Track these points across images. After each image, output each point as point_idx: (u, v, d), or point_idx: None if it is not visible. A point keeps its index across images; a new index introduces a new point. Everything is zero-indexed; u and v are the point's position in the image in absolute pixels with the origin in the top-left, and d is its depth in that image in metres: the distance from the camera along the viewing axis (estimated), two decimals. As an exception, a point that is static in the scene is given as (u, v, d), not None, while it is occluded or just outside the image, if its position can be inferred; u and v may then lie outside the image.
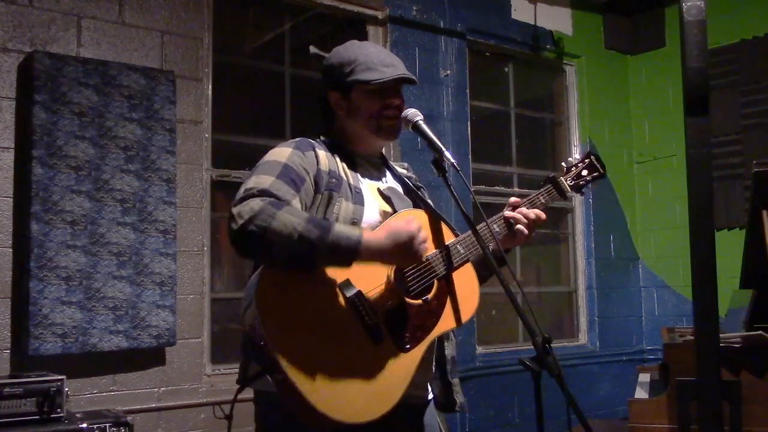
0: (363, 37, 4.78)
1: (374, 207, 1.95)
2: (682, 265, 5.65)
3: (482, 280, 2.05)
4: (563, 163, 2.26)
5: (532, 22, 5.64)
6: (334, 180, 1.92)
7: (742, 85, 5.50)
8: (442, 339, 2.02)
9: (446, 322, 1.90)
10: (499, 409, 5.03)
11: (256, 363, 1.78)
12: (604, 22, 6.12)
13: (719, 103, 5.39)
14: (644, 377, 4.35)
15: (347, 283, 1.78)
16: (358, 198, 1.93)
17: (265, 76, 4.66)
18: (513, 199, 2.11)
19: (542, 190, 2.15)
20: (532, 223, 2.06)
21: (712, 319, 3.03)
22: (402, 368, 1.81)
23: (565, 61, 5.98)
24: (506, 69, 5.78)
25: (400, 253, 1.77)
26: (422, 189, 2.19)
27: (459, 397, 2.06)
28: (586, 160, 2.25)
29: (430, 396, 2.07)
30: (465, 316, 1.94)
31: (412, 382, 1.83)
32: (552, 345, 1.73)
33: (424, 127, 1.97)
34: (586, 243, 5.86)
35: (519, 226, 2.05)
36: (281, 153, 1.91)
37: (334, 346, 1.75)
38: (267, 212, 1.69)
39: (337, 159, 1.99)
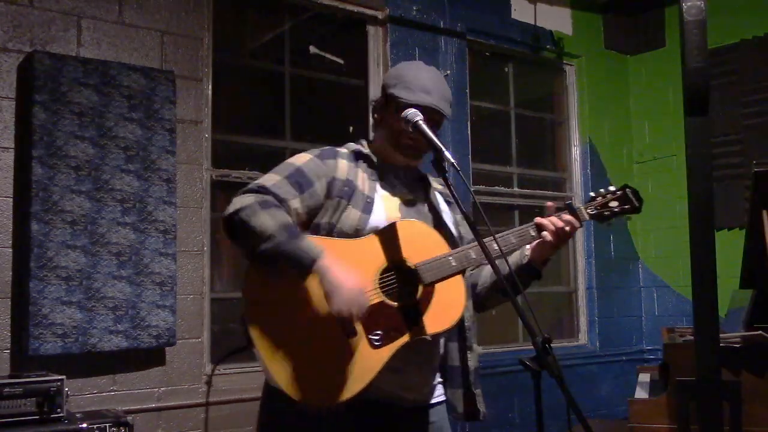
0: (362, 37, 4.80)
1: (382, 217, 2.00)
2: (682, 265, 5.63)
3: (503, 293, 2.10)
4: (591, 193, 2.18)
5: (532, 22, 5.64)
6: (347, 188, 1.99)
7: (742, 85, 5.50)
8: (465, 350, 2.11)
9: (425, 327, 1.94)
10: (499, 409, 5.02)
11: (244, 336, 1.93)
12: (604, 22, 6.12)
13: (719, 103, 5.39)
14: (644, 377, 4.34)
15: None
16: (367, 207, 1.98)
17: (265, 76, 4.66)
18: (549, 204, 2.15)
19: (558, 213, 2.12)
20: (558, 230, 2.07)
21: (712, 319, 3.03)
22: (367, 364, 1.87)
23: (565, 61, 5.97)
24: (506, 69, 5.78)
25: (342, 294, 1.80)
26: (452, 205, 2.19)
27: (482, 407, 2.12)
28: (619, 192, 2.17)
29: (437, 399, 2.11)
30: (444, 325, 1.97)
31: (384, 379, 1.88)
32: (552, 345, 1.74)
33: (424, 127, 1.98)
34: (586, 243, 5.85)
35: (544, 233, 2.08)
36: (300, 157, 2.05)
37: (306, 332, 1.87)
38: (252, 209, 1.86)
39: (360, 169, 2.05)
